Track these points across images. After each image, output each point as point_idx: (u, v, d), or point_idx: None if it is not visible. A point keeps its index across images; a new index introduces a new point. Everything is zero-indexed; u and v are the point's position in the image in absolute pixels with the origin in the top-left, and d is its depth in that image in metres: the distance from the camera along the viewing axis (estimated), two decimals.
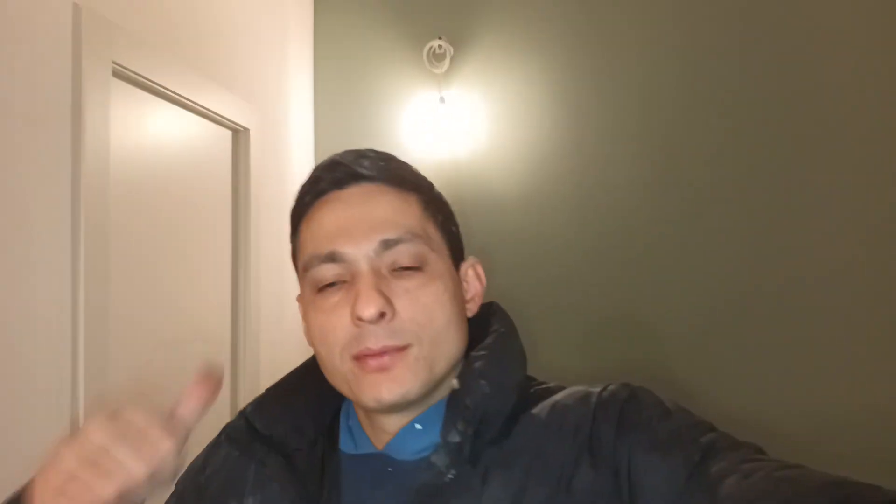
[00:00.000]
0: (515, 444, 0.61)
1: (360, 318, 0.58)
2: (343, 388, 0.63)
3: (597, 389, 0.63)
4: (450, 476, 0.58)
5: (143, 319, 1.52)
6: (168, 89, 1.55)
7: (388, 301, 0.59)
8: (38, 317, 1.18)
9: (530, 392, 0.66)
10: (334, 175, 0.65)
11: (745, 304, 2.17)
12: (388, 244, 0.61)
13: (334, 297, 0.61)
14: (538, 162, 2.34)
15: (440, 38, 2.36)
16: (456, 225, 0.71)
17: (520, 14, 2.37)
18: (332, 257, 0.61)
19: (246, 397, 1.91)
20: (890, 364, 2.07)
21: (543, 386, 0.68)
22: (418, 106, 2.40)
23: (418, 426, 0.64)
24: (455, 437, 0.59)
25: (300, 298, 0.68)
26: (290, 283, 2.21)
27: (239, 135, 1.93)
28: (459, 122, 2.36)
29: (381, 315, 0.58)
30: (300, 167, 2.40)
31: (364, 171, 0.65)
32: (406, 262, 0.61)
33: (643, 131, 2.27)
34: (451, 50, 2.36)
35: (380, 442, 0.66)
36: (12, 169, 1.13)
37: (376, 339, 0.58)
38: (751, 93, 2.20)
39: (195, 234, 1.74)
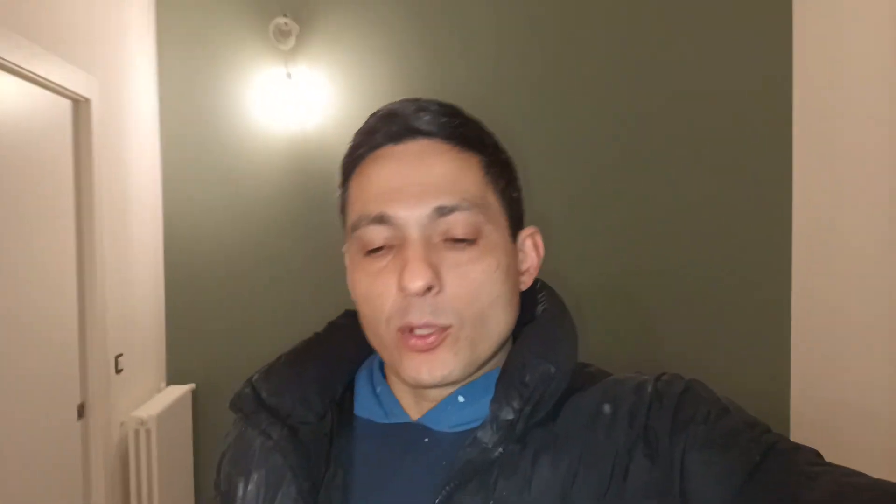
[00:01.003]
0: (564, 428, 0.58)
1: (405, 290, 0.55)
2: (385, 355, 0.60)
3: (650, 378, 0.60)
4: (497, 454, 0.56)
5: (2, 318, 1.50)
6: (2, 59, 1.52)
7: (437, 273, 0.56)
8: None
9: (581, 374, 0.63)
10: (390, 128, 0.60)
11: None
12: (442, 211, 0.57)
13: (381, 262, 0.58)
14: None
15: (285, 16, 2.43)
16: (518, 190, 0.66)
17: None
18: (382, 219, 0.58)
19: (94, 377, 1.93)
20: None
21: (587, 369, 0.65)
22: (266, 81, 2.46)
23: (461, 398, 0.61)
24: (508, 415, 0.56)
25: (347, 249, 0.64)
26: (137, 270, 2.20)
27: (79, 105, 1.91)
28: (306, 96, 2.45)
29: (428, 289, 0.56)
30: (143, 140, 2.38)
31: (423, 126, 0.60)
32: (460, 233, 0.58)
33: (478, 106, 2.49)
34: (297, 27, 2.44)
35: (417, 411, 0.63)
36: None
37: (420, 313, 0.56)
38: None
39: (35, 205, 1.72)
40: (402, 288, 0.55)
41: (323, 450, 0.61)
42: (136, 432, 2.09)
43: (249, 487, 0.61)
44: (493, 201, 0.61)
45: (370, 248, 0.59)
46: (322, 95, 2.48)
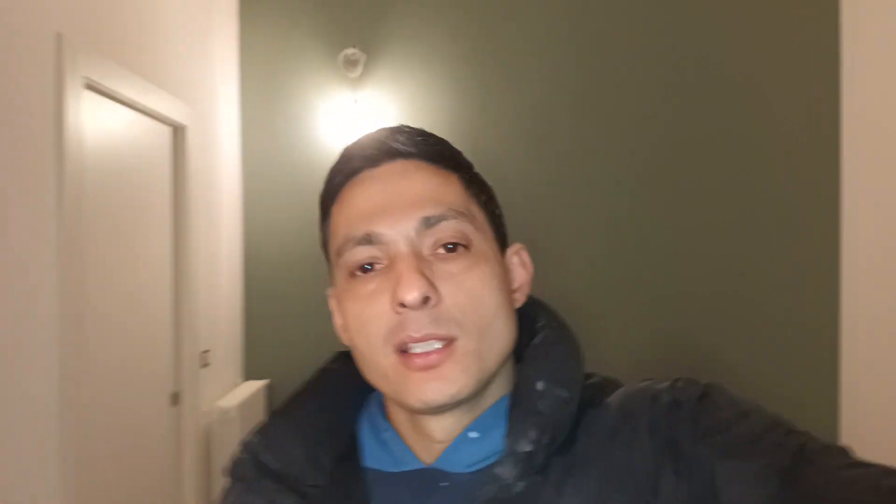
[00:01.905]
0: (583, 450, 0.55)
1: (401, 304, 0.52)
2: (385, 386, 0.56)
3: (663, 386, 0.57)
4: (518, 488, 0.53)
5: (110, 313, 1.78)
6: (118, 93, 1.80)
7: (432, 285, 0.53)
8: (22, 312, 1.43)
9: (585, 388, 0.60)
10: (367, 152, 0.59)
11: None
12: (429, 222, 0.55)
13: (371, 284, 0.55)
14: None
15: (354, 47, 2.67)
16: (499, 208, 0.64)
17: (426, 26, 2.72)
18: (369, 239, 0.55)
19: (186, 369, 2.19)
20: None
21: (592, 381, 0.62)
22: (334, 107, 2.71)
23: (473, 434, 0.58)
24: (526, 446, 0.53)
25: (332, 291, 0.62)
26: (222, 275, 2.45)
27: (177, 131, 2.19)
28: (372, 121, 2.69)
29: (426, 300, 0.53)
30: (230, 162, 2.67)
31: (400, 147, 0.59)
32: (450, 240, 0.56)
33: (536, 134, 2.68)
34: (364, 57, 2.68)
35: (428, 454, 0.59)
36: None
37: (418, 325, 0.53)
38: (635, 101, 2.65)
39: (139, 217, 1.99)
40: (397, 302, 0.53)
41: None
42: (220, 420, 2.34)
43: None
44: (478, 213, 0.60)
45: (357, 267, 0.56)
46: (385, 119, 2.71)
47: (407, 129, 0.61)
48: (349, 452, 0.61)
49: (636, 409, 0.56)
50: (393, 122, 2.58)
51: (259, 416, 2.70)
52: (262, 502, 0.57)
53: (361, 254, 0.56)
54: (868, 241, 2.41)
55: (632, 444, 0.54)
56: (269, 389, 2.76)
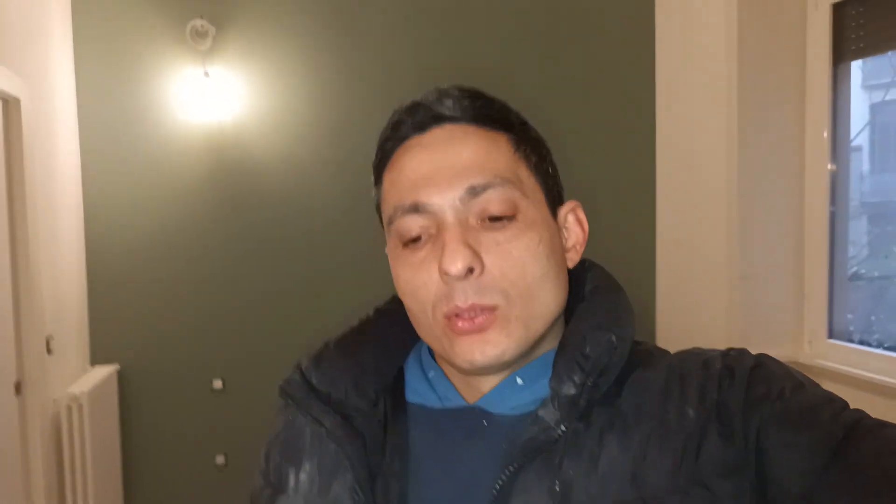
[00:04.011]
0: (629, 406, 0.56)
1: (446, 274, 0.54)
2: (435, 345, 0.59)
3: (717, 354, 0.58)
4: (560, 431, 0.54)
5: None
6: None
7: (477, 255, 0.55)
8: None
9: (635, 351, 0.60)
10: (415, 118, 0.60)
11: None
12: (475, 191, 0.56)
13: (421, 252, 0.57)
14: (294, 129, 2.71)
15: (201, 18, 2.59)
16: (553, 165, 0.64)
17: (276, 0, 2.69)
18: (416, 208, 0.57)
19: (29, 356, 2.07)
20: None
21: (641, 346, 0.62)
22: (183, 79, 2.61)
23: (519, 380, 0.59)
24: (570, 389, 0.54)
25: (388, 249, 0.63)
26: (63, 257, 2.31)
27: (9, 104, 2.02)
28: (223, 93, 2.63)
29: (470, 270, 0.54)
30: (66, 135, 2.50)
31: (447, 112, 0.60)
32: (496, 211, 0.56)
33: (384, 110, 2.74)
34: (213, 29, 2.61)
35: (472, 395, 0.61)
36: None
37: (465, 296, 0.55)
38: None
39: None
40: (442, 273, 0.54)
41: (378, 437, 0.60)
42: (69, 408, 2.23)
43: (301, 477, 0.60)
44: (527, 177, 0.60)
45: (407, 238, 0.58)
46: (238, 92, 2.66)
47: (455, 92, 0.61)
48: (395, 388, 0.64)
49: (686, 372, 0.57)
50: (248, 95, 2.56)
51: (112, 403, 2.58)
52: (308, 420, 0.61)
53: (410, 223, 0.58)
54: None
55: (679, 405, 0.55)
56: (120, 375, 2.65)
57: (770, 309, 2.40)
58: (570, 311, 0.62)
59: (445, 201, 0.56)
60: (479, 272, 0.55)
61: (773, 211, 2.41)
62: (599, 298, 0.61)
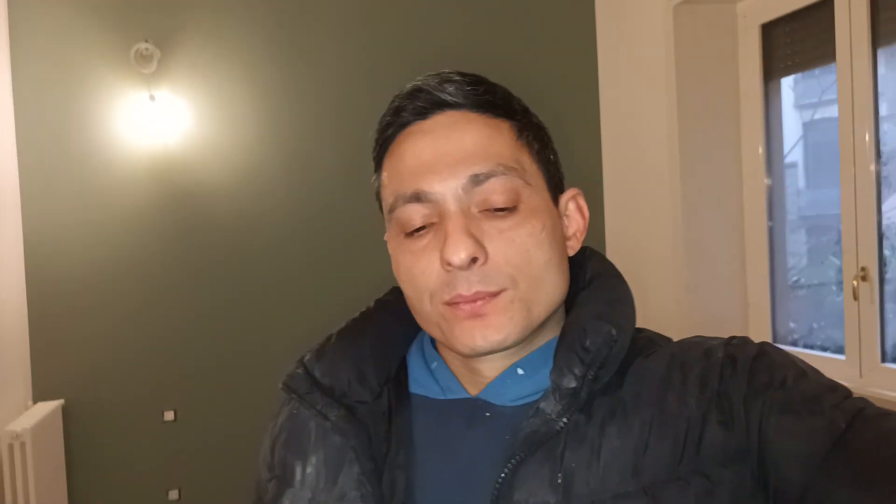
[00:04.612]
0: (631, 395, 0.55)
1: (449, 264, 0.54)
2: (435, 332, 0.59)
3: (719, 342, 0.58)
4: (561, 423, 0.54)
5: None
6: None
7: (480, 244, 0.54)
8: None
9: (636, 339, 0.60)
10: (416, 104, 0.59)
11: None
12: (477, 179, 0.55)
13: (423, 241, 0.57)
14: (242, 151, 2.68)
15: (146, 41, 2.56)
16: (554, 153, 0.64)
17: (224, 22, 2.67)
18: (418, 197, 0.56)
19: None
20: None
21: (643, 334, 0.62)
22: (128, 103, 2.57)
23: (520, 371, 0.59)
24: (571, 382, 0.54)
25: (387, 237, 0.62)
26: (1, 288, 2.21)
27: None
28: (169, 117, 2.59)
29: (473, 260, 0.54)
30: (6, 160, 2.41)
31: (448, 98, 0.59)
32: (498, 199, 0.56)
33: (335, 132, 2.75)
34: (159, 52, 2.57)
35: (474, 387, 0.61)
36: None
37: (468, 284, 0.54)
38: None
39: None
40: (445, 262, 0.54)
41: (382, 429, 0.60)
42: (11, 447, 2.12)
43: (308, 470, 0.60)
44: (529, 165, 0.59)
45: (409, 228, 0.57)
46: (184, 116, 2.62)
47: (457, 78, 0.60)
48: (398, 379, 0.64)
49: (688, 361, 0.56)
50: (192, 119, 2.52)
51: (57, 439, 2.47)
52: (312, 413, 0.60)
53: (412, 212, 0.57)
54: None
55: (680, 394, 0.54)
56: (65, 410, 2.54)
57: (716, 318, 2.48)
58: (570, 299, 0.62)
59: (448, 190, 0.56)
60: (482, 261, 0.55)
61: (716, 224, 2.51)
62: (600, 287, 0.61)
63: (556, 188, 0.63)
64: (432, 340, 0.66)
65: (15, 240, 2.47)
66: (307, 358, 0.63)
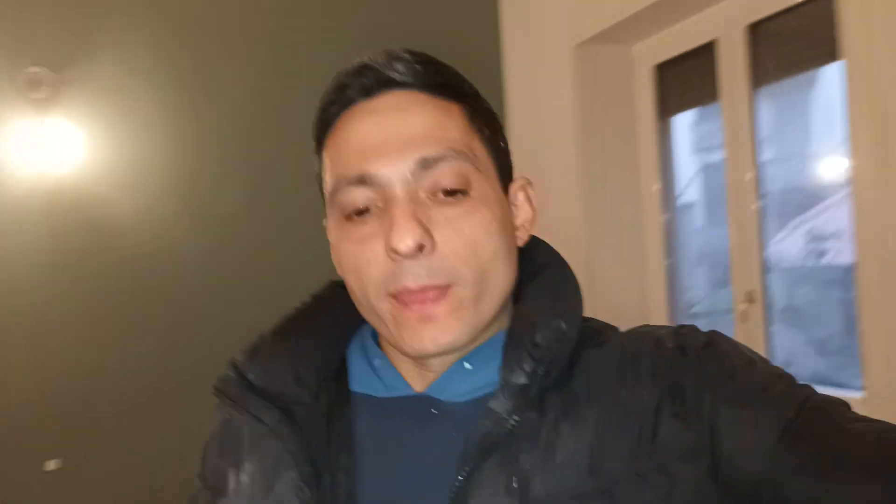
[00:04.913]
0: (582, 389, 0.54)
1: (395, 251, 0.51)
2: (380, 327, 0.57)
3: (667, 332, 0.57)
4: (512, 423, 0.52)
5: None
6: None
7: (427, 231, 0.52)
8: None
9: (582, 328, 0.58)
10: (362, 81, 0.56)
11: None
12: (426, 163, 0.53)
13: (366, 227, 0.54)
14: (147, 179, 2.57)
15: (37, 66, 2.45)
16: (504, 140, 0.61)
17: (127, 47, 2.59)
18: (363, 179, 0.54)
19: None
20: None
21: (591, 324, 0.61)
22: (15, 128, 2.44)
23: (468, 365, 0.57)
24: (520, 379, 0.52)
25: (328, 224, 0.60)
26: None
27: None
28: (62, 143, 2.47)
29: (420, 248, 0.51)
30: None
31: (397, 77, 0.56)
32: (448, 185, 0.53)
33: (239, 160, 2.70)
34: (52, 77, 2.47)
35: (419, 383, 0.59)
36: None
37: (415, 277, 0.52)
38: None
39: None
40: (390, 250, 0.51)
41: (322, 431, 0.57)
42: None
43: (242, 478, 0.56)
44: (480, 151, 0.57)
45: (351, 210, 0.55)
46: (78, 143, 2.51)
47: (407, 56, 0.56)
48: (337, 377, 0.61)
49: (638, 352, 0.55)
50: (88, 145, 2.42)
51: None
52: (245, 418, 0.57)
53: (355, 195, 0.54)
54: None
55: (633, 386, 0.53)
56: None
57: None
58: (516, 290, 0.60)
59: (394, 173, 0.53)
60: (429, 249, 0.52)
61: (618, 260, 2.59)
62: (547, 278, 0.60)
63: (506, 177, 0.60)
64: (373, 336, 0.63)
65: None
66: (239, 359, 0.60)
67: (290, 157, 2.75)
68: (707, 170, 2.68)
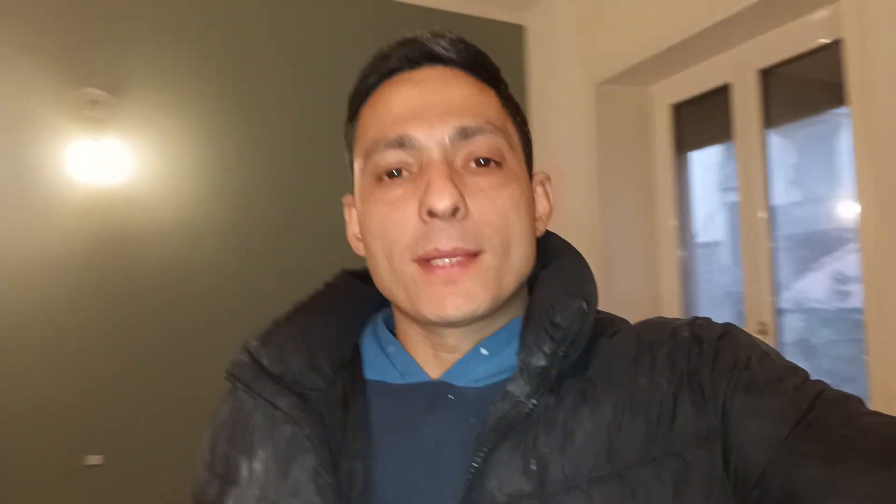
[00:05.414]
0: (599, 376, 0.54)
1: (430, 212, 0.51)
2: (399, 295, 0.55)
3: (684, 323, 0.57)
4: (531, 405, 0.52)
5: None
6: None
7: (462, 196, 0.52)
8: None
9: (596, 320, 0.59)
10: (406, 52, 0.57)
11: None
12: (465, 133, 0.54)
13: (399, 189, 0.54)
14: (189, 194, 2.75)
15: (96, 87, 2.66)
16: (530, 133, 0.63)
17: (176, 67, 2.79)
18: (401, 142, 0.54)
19: None
20: None
21: (601, 315, 0.61)
22: (74, 144, 2.64)
23: (484, 351, 0.57)
24: (540, 361, 0.52)
25: (350, 198, 0.61)
26: None
27: None
28: (114, 158, 2.65)
29: (455, 210, 0.51)
30: None
31: (441, 52, 0.57)
32: (484, 154, 0.54)
33: (281, 183, 2.85)
34: (108, 97, 2.67)
35: (435, 369, 0.58)
36: None
37: (449, 238, 0.51)
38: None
39: None
40: (426, 210, 0.51)
41: (338, 417, 0.56)
42: None
43: (255, 465, 0.55)
44: (514, 132, 0.58)
45: (384, 171, 0.55)
46: (129, 157, 2.70)
47: (449, 35, 0.58)
48: (352, 365, 0.60)
49: (655, 341, 0.56)
50: (139, 161, 2.60)
51: None
52: (261, 402, 0.56)
53: (392, 157, 0.54)
54: None
55: (650, 374, 0.53)
56: None
57: None
58: (531, 281, 0.60)
59: (433, 138, 0.53)
60: (463, 214, 0.52)
61: (635, 295, 2.66)
62: (562, 266, 0.59)
63: (530, 166, 0.62)
64: (387, 323, 0.63)
65: None
66: (253, 344, 0.59)
67: (329, 176, 2.90)
68: (732, 208, 2.72)
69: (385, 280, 0.56)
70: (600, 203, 2.64)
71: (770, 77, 2.27)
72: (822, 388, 0.51)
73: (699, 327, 0.56)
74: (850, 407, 0.49)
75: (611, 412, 0.52)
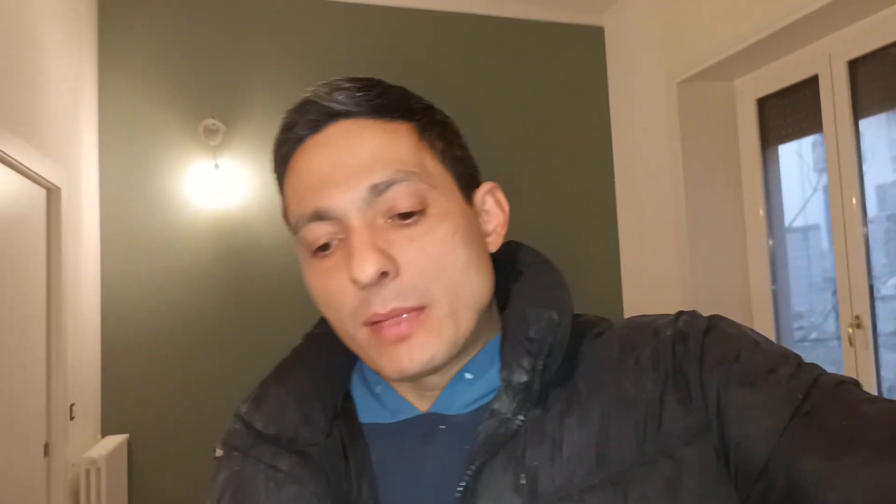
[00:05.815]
0: (583, 381, 0.54)
1: (356, 282, 0.50)
2: (362, 355, 0.56)
3: (666, 321, 0.56)
4: (519, 421, 0.52)
5: None
6: None
7: (389, 256, 0.51)
8: None
9: (576, 323, 0.58)
10: (307, 117, 0.56)
11: None
12: (377, 189, 0.52)
13: (330, 260, 0.53)
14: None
15: (213, 118, 2.93)
16: (462, 148, 0.60)
17: (281, 98, 3.05)
18: (319, 215, 0.53)
19: (56, 420, 2.25)
20: None
21: (582, 318, 0.60)
22: (196, 171, 2.93)
23: (468, 375, 0.57)
24: (521, 377, 0.52)
25: (300, 258, 0.59)
26: (83, 334, 2.53)
27: (51, 193, 2.30)
28: (231, 183, 2.94)
29: (383, 275, 0.51)
30: (90, 224, 2.78)
31: (340, 107, 0.55)
32: (403, 207, 0.52)
33: None
34: (224, 127, 2.95)
35: (423, 402, 0.58)
36: None
37: (384, 301, 0.51)
38: None
39: (14, 275, 2.07)
40: (353, 281, 0.51)
41: (340, 467, 0.56)
42: (88, 472, 2.39)
43: None
44: (434, 166, 0.56)
45: (315, 247, 0.54)
46: (244, 182, 2.97)
47: (347, 85, 0.56)
48: (346, 412, 0.60)
49: (637, 342, 0.55)
50: (253, 184, 2.88)
51: (122, 470, 2.73)
52: (262, 467, 0.55)
53: (316, 231, 0.54)
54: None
55: (634, 376, 0.53)
56: (130, 444, 2.81)
57: None
58: (503, 296, 0.60)
59: (348, 204, 0.52)
60: (393, 274, 0.51)
61: (723, 286, 2.73)
62: (532, 276, 0.59)
63: (467, 185, 0.59)
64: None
65: (94, 287, 2.80)
66: (243, 410, 0.59)
67: None
68: (827, 191, 2.68)
69: (346, 342, 0.57)
70: (686, 198, 2.71)
71: (858, 67, 2.30)
72: (817, 374, 0.50)
73: (684, 323, 0.55)
74: (848, 393, 0.48)
75: (598, 419, 0.52)
